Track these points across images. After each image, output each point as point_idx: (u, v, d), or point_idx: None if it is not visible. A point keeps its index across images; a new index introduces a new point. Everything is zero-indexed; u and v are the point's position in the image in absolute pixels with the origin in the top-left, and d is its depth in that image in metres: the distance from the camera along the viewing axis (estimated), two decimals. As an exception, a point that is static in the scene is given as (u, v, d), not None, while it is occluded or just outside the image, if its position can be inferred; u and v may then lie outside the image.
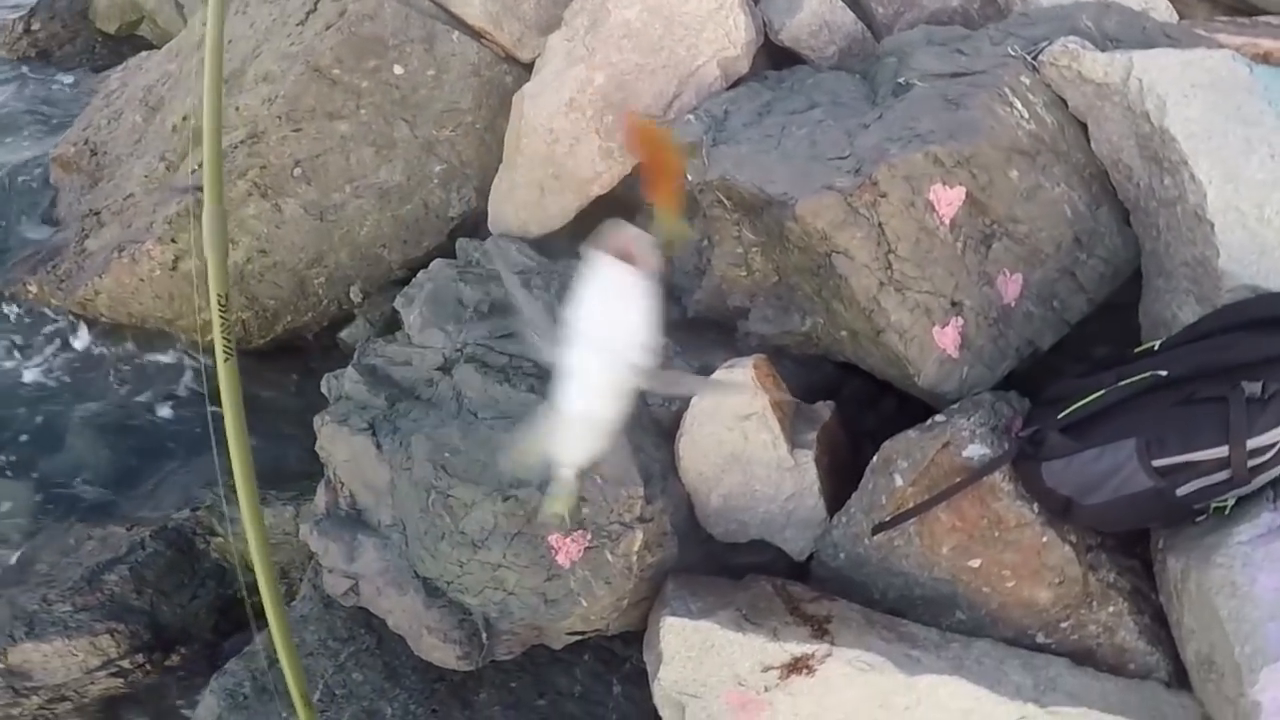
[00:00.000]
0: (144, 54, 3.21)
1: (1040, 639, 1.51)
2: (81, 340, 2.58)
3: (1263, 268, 1.54)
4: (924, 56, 1.97)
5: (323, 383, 2.00)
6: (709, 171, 1.82)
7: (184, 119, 2.53)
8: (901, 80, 1.93)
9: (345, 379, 1.95)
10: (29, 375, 2.55)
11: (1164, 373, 1.39)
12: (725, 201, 1.83)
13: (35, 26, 3.84)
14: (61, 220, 2.82)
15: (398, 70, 2.28)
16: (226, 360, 1.44)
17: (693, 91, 2.07)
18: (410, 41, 2.29)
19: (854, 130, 1.81)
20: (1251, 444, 1.30)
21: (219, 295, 1.46)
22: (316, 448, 1.89)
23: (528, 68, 2.31)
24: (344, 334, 2.32)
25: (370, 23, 2.29)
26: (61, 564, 2.16)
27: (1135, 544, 1.56)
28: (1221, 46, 1.96)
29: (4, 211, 2.96)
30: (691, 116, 1.96)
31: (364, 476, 1.84)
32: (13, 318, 2.65)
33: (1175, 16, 2.60)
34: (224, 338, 1.48)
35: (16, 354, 2.61)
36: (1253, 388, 1.31)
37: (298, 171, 2.27)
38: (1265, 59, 2.68)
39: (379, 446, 1.79)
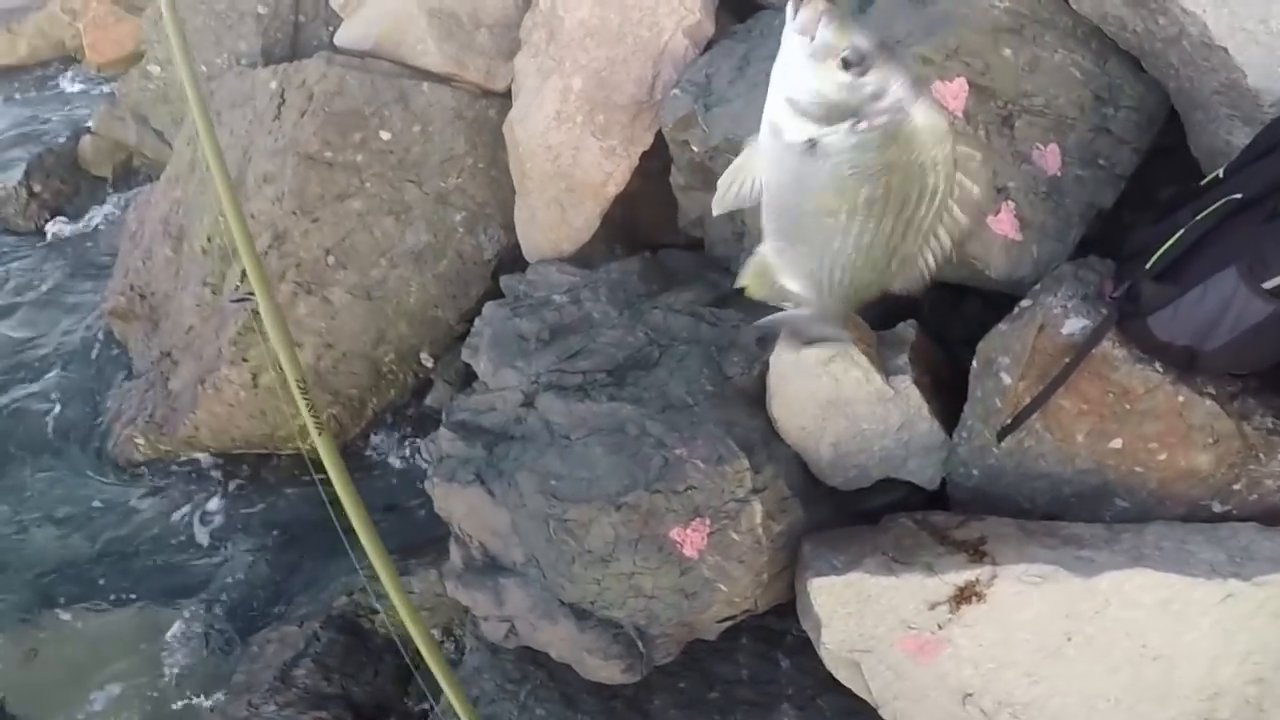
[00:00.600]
0: (148, 187, 3.21)
1: (1217, 508, 1.33)
2: (203, 474, 2.62)
3: (1293, 75, 1.36)
4: (880, -34, 1.80)
5: (423, 449, 1.98)
6: (711, 137, 1.71)
7: (209, 240, 2.50)
8: (864, -6, 1.78)
9: (441, 439, 1.92)
10: (171, 519, 2.59)
11: (1239, 195, 1.23)
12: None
13: (37, 188, 3.78)
14: (139, 370, 2.84)
15: (384, 136, 2.21)
16: (320, 434, 1.42)
17: (670, 67, 1.95)
18: (386, 105, 2.22)
19: (837, 48, 1.67)
20: None
21: (297, 380, 1.45)
22: (436, 509, 1.88)
23: (506, 96, 2.24)
24: (429, 400, 2.30)
25: (340, 98, 2.23)
26: (253, 670, 2.21)
27: (1283, 380, 1.37)
28: None
29: (85, 378, 2.99)
30: (677, 90, 1.84)
31: (486, 524, 1.82)
32: (127, 469, 2.69)
33: None
34: (313, 416, 1.47)
35: (150, 502, 2.65)
36: None
37: (331, 260, 2.23)
38: None
39: (491, 493, 1.76)
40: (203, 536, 2.53)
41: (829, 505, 1.63)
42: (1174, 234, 1.28)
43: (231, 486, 2.57)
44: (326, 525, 2.30)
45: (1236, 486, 1.32)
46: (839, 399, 1.54)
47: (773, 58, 1.78)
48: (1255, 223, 1.21)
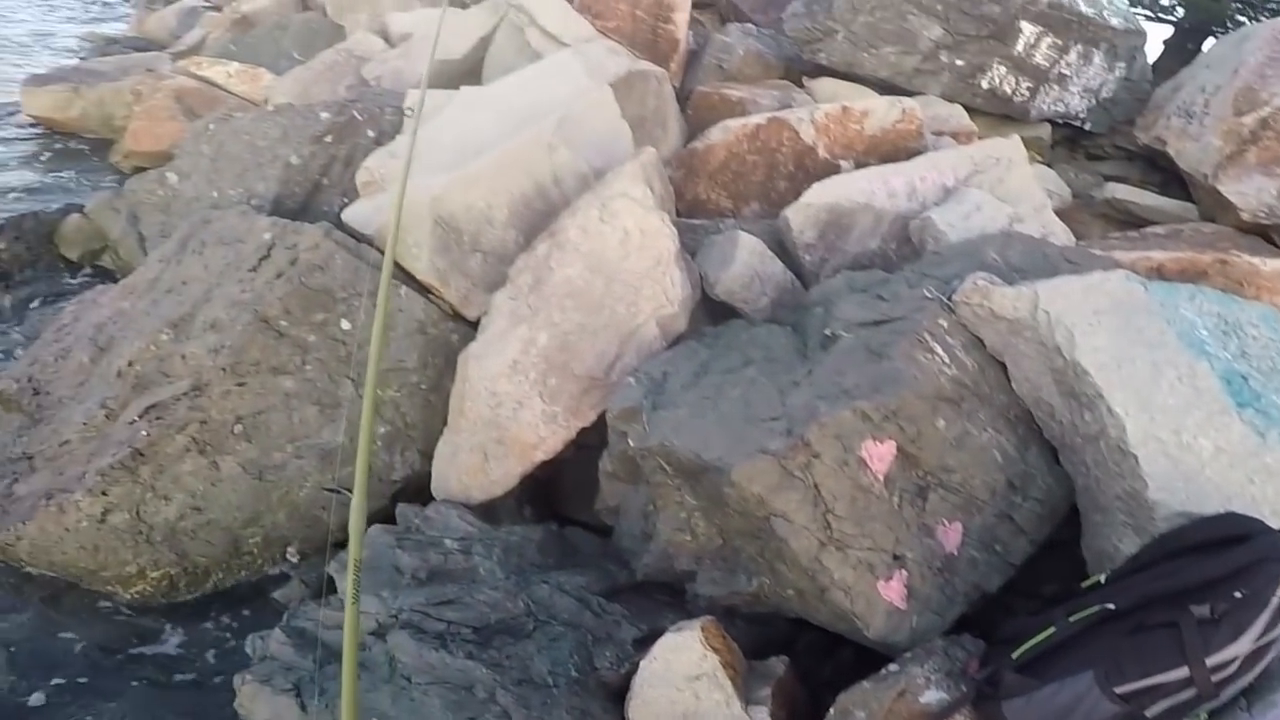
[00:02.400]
0: (100, 287, 3.16)
1: None
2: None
3: (1191, 493, 1.56)
4: (847, 305, 2.04)
5: (248, 642, 1.90)
6: (649, 438, 1.81)
7: (129, 364, 2.46)
8: (828, 331, 1.99)
9: (271, 640, 1.85)
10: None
11: (1112, 606, 1.41)
12: (666, 467, 1.81)
13: (1, 245, 3.74)
14: (-8, 462, 2.66)
15: (345, 325, 2.28)
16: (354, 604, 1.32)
17: (634, 352, 2.08)
18: (359, 295, 2.31)
19: (786, 387, 1.84)
20: (1211, 661, 1.31)
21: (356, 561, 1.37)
22: (235, 705, 1.77)
23: (473, 325, 2.33)
24: (278, 594, 2.19)
25: (320, 274, 2.31)
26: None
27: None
28: (1117, 264, 2.09)
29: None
30: (632, 379, 1.97)
31: (286, 736, 1.68)
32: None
33: (1073, 238, 2.78)
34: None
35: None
36: (1201, 610, 1.33)
37: (239, 429, 2.20)
38: (1159, 272, 2.86)
39: (303, 707, 1.69)
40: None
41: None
42: (1045, 630, 1.44)
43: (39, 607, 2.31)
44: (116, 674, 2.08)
45: None
46: (695, 716, 1.58)
47: (732, 371, 1.94)
48: (1120, 634, 1.38)
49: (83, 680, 2.17)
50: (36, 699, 2.13)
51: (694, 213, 2.98)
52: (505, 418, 2.02)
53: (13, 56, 7.61)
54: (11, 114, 5.79)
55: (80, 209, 3.82)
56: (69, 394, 2.67)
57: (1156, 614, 1.36)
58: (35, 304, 3.60)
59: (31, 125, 5.58)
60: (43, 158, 5.30)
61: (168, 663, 2.19)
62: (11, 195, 4.70)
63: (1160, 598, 1.38)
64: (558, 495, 2.22)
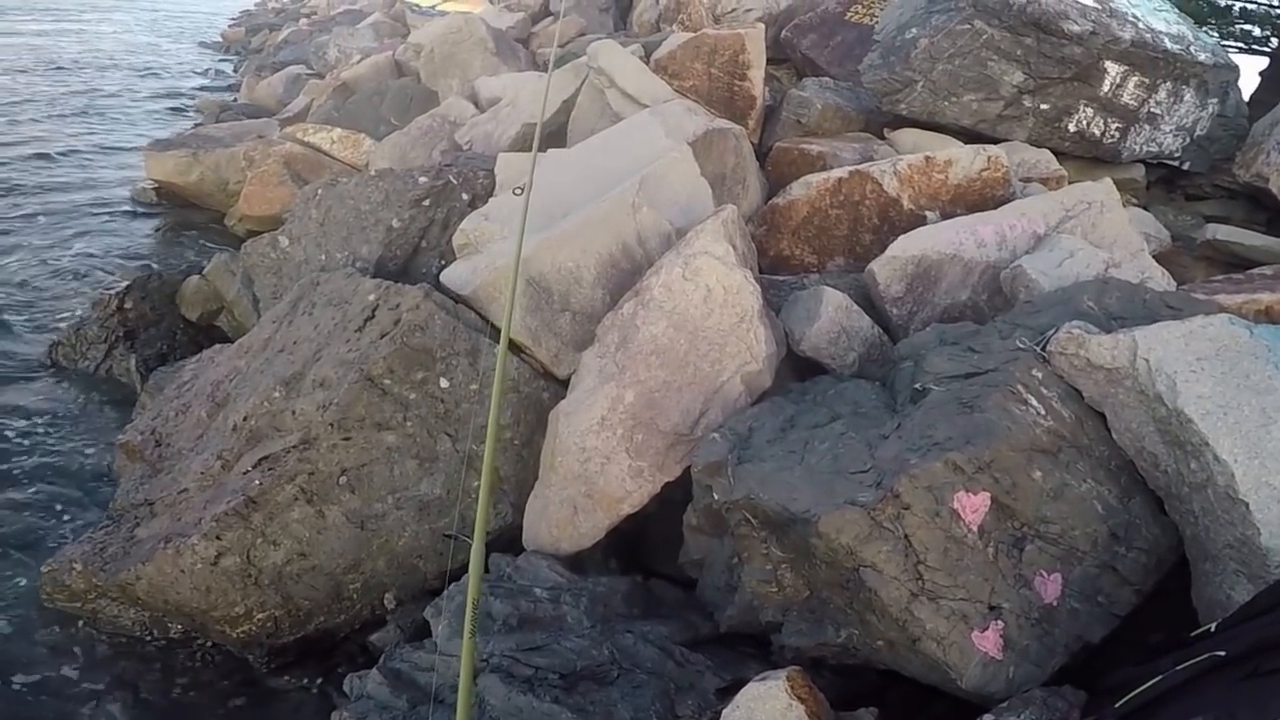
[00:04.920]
0: (218, 346, 3.39)
1: None
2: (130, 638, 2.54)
3: (1306, 540, 1.51)
4: (937, 359, 2.04)
5: (345, 682, 1.99)
6: (734, 491, 1.85)
7: (244, 419, 2.64)
8: (918, 385, 1.99)
9: (369, 680, 1.94)
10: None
11: (1222, 653, 1.35)
12: (751, 519, 1.84)
13: (128, 305, 4.07)
14: (118, 507, 2.88)
15: (444, 384, 2.40)
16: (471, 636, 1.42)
17: (718, 408, 2.12)
18: (456, 355, 2.42)
19: (874, 441, 1.85)
20: None
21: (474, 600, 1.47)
22: None
23: (563, 384, 2.42)
24: (374, 637, 2.30)
25: (421, 334, 2.44)
26: None
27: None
28: (1222, 308, 2.03)
29: (67, 497, 3.05)
30: (717, 435, 2.01)
31: (377, 773, 1.76)
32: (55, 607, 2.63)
33: (1173, 282, 2.69)
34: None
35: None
36: None
37: (344, 480, 2.33)
38: (1267, 314, 2.73)
39: None
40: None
41: None
42: (1150, 679, 1.39)
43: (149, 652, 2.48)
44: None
45: None
46: (779, 766, 1.58)
47: (819, 426, 1.96)
48: (1232, 680, 1.32)
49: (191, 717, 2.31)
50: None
51: (778, 269, 3.02)
52: (593, 472, 2.08)
53: (127, 124, 8.35)
54: (134, 179, 6.34)
55: (199, 271, 4.13)
56: (188, 446, 2.88)
57: (1273, 660, 1.30)
58: (158, 362, 3.91)
59: (154, 188, 6.07)
60: (165, 221, 5.79)
61: (269, 700, 2.32)
62: (139, 258, 5.16)
63: (1276, 643, 1.32)
64: (643, 548, 2.27)
